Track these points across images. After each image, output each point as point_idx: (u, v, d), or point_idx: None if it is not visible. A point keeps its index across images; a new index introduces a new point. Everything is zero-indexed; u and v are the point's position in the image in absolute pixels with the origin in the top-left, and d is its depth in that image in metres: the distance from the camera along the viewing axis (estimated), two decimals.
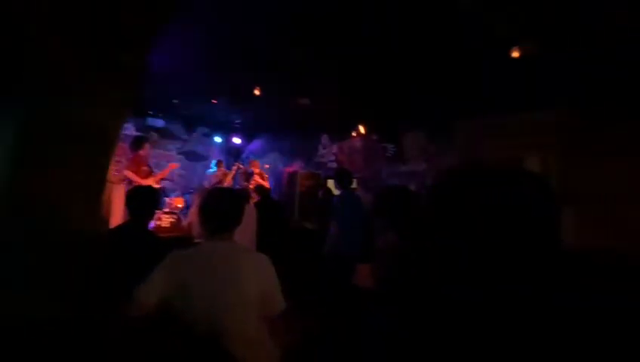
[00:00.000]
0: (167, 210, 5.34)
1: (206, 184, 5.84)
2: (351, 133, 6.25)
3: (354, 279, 3.54)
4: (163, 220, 5.05)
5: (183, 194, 6.10)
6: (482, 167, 0.58)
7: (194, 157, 7.66)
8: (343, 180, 3.72)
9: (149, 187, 2.07)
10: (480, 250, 0.51)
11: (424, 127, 5.47)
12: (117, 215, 4.48)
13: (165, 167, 5.46)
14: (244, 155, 8.14)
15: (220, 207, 1.35)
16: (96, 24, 1.13)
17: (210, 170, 6.22)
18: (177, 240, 3.62)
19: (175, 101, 5.55)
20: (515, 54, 2.71)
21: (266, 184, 5.71)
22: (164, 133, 7.06)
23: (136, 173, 4.46)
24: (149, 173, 4.78)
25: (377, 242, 1.82)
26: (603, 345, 0.50)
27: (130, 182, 4.40)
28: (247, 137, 8.04)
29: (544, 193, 0.53)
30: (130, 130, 6.61)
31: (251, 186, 5.42)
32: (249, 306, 1.22)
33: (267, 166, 6.61)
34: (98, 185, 1.21)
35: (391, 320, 0.58)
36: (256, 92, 4.38)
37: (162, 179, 5.09)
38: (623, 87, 3.45)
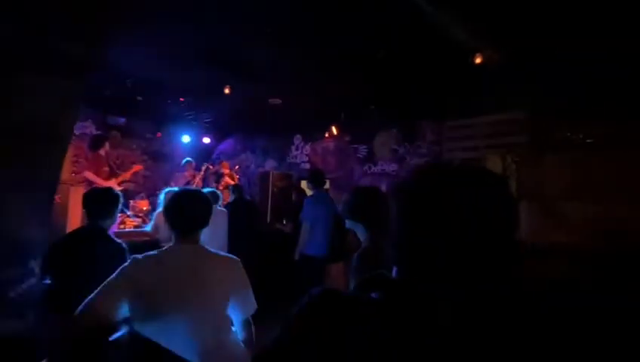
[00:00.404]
0: (131, 213, 5.09)
1: (174, 185, 5.60)
2: (324, 134, 6.27)
3: (326, 280, 3.55)
4: (127, 224, 4.81)
5: (148, 197, 5.81)
6: (454, 167, 0.59)
7: (160, 157, 7.33)
8: (316, 181, 3.72)
9: (108, 188, 1.94)
10: (457, 248, 0.52)
11: (394, 128, 5.60)
12: (76, 219, 4.22)
13: (129, 168, 5.18)
14: (214, 156, 7.91)
15: (185, 208, 1.28)
16: (42, 12, 1.04)
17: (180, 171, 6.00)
18: (142, 244, 3.43)
19: (139, 98, 5.28)
20: (478, 60, 2.84)
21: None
22: (127, 132, 6.69)
23: (97, 173, 4.20)
24: (111, 174, 4.52)
25: (349, 243, 1.83)
26: (576, 341, 0.53)
27: (90, 183, 4.13)
28: (218, 137, 7.81)
29: (508, 193, 0.55)
30: (89, 128, 6.22)
31: (221, 188, 5.28)
32: (218, 311, 1.17)
33: (237, 167, 6.47)
34: (47, 186, 1.11)
35: (372, 320, 0.58)
36: (227, 91, 4.27)
37: (125, 181, 4.82)
38: (573, 93, 3.74)
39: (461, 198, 0.53)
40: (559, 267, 3.33)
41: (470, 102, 4.47)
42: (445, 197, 0.54)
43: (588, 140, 3.91)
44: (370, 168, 5.88)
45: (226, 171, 6.03)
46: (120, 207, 1.90)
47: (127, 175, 4.84)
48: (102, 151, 4.41)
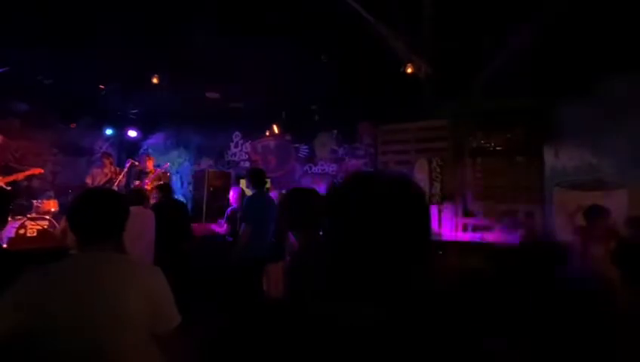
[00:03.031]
0: (34, 215, 4.37)
1: (89, 182, 4.95)
2: (265, 132, 6.15)
3: (265, 280, 3.48)
4: (28, 228, 4.12)
5: (57, 196, 5.04)
6: (376, 174, 0.63)
7: (75, 151, 6.41)
8: (255, 180, 3.60)
9: None
10: (386, 251, 0.55)
11: (335, 130, 5.74)
12: None
13: (33, 164, 4.47)
14: (141, 151, 7.19)
15: (91, 211, 1.11)
16: None
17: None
18: (46, 253, 2.95)
19: (47, 82, 4.53)
20: (409, 70, 3.05)
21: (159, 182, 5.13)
22: (29, 121, 5.70)
23: None
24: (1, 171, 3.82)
25: (286, 244, 1.80)
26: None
27: None
28: (146, 130, 7.10)
29: (421, 197, 0.60)
30: None
31: (149, 187, 4.81)
32: (131, 329, 1.03)
33: (167, 164, 5.93)
34: None
35: (304, 325, 0.57)
36: (155, 80, 3.90)
37: (16, 181, 4.10)
38: (486, 106, 4.26)
39: (390, 206, 0.56)
40: (476, 260, 3.76)
41: (402, 109, 4.79)
42: (376, 205, 0.56)
43: (498, 148, 4.50)
44: (310, 168, 5.93)
45: (151, 168, 5.44)
46: (9, 208, 1.59)
47: (19, 176, 4.13)
48: None
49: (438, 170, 4.62)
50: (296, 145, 6.08)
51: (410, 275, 0.56)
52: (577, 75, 3.49)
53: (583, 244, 2.85)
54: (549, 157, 4.15)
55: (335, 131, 5.73)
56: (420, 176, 4.66)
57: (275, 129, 5.95)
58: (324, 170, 5.80)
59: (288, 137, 6.14)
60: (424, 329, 0.52)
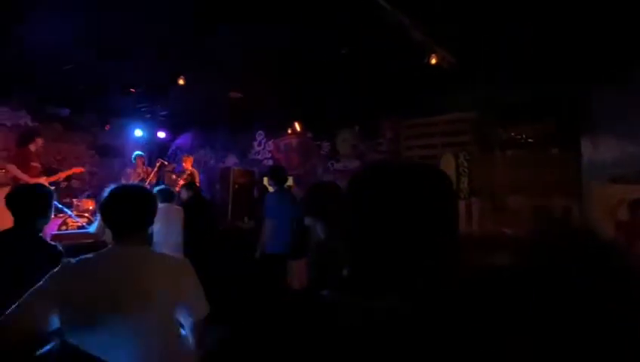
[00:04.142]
0: (74, 212, 4.68)
1: (124, 182, 5.22)
2: (287, 130, 6.20)
3: (288, 278, 3.52)
4: (69, 225, 4.43)
5: (94, 195, 5.37)
6: (396, 164, 0.61)
7: (109, 152, 6.79)
8: (276, 177, 3.65)
9: (37, 184, 1.74)
10: (401, 242, 0.53)
11: (357, 126, 5.68)
12: (7, 221, 3.80)
13: (73, 165, 4.80)
14: (170, 151, 7.48)
15: (121, 206, 1.17)
16: None
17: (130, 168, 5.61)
18: (86, 247, 3.15)
19: (81, 86, 4.81)
20: (433, 61, 2.95)
21: (196, 181, 5.34)
22: (70, 125, 6.10)
23: (24, 169, 3.84)
24: (41, 172, 4.14)
25: (310, 239, 1.81)
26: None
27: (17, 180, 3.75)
28: (174, 131, 7.39)
29: (444, 187, 0.57)
30: (23, 118, 5.60)
31: (177, 188, 5.01)
32: (162, 319, 1.08)
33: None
34: None
35: (325, 316, 0.57)
36: (181, 82, 4.04)
37: (58, 181, 4.44)
38: (517, 96, 4.05)
39: (407, 199, 0.54)
40: (505, 256, 3.59)
41: (426, 102, 4.65)
42: (393, 198, 0.55)
43: (529, 140, 4.26)
44: (332, 165, 5.91)
45: (188, 167, 5.74)
46: (52, 205, 1.71)
47: (61, 175, 4.47)
48: (32, 147, 4.03)
49: (466, 164, 4.45)
50: (318, 142, 6.08)
51: (427, 272, 0.54)
52: (615, 59, 3.23)
53: (627, 240, 2.65)
54: (586, 148, 3.87)
55: (357, 127, 5.67)
56: (447, 171, 4.52)
57: (297, 127, 5.98)
58: (346, 166, 5.76)
59: (310, 134, 6.15)
60: (424, 330, 0.50)
